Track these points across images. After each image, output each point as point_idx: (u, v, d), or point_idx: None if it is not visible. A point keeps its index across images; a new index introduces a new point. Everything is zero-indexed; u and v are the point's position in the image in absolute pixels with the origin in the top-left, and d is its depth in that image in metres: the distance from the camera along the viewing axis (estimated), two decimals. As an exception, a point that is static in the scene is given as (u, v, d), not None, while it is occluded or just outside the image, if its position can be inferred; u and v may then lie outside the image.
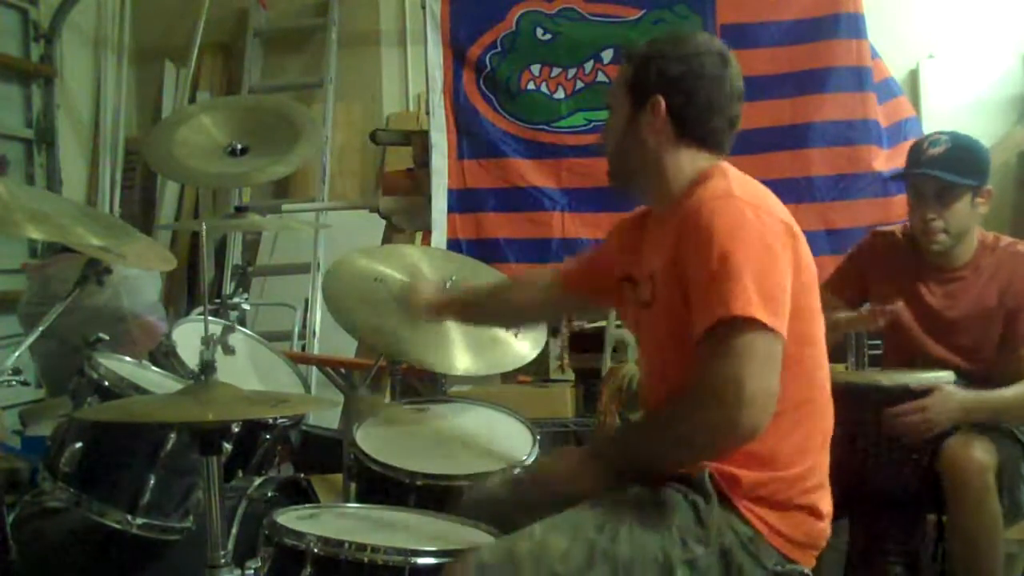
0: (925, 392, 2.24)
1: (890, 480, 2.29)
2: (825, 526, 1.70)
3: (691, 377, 1.56)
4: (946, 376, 2.29)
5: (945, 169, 2.40)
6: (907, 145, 3.49)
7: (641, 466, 1.66)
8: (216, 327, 1.80)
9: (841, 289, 2.61)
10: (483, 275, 2.70)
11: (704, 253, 1.56)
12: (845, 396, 2.21)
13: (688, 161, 1.75)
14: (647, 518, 1.59)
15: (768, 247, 1.57)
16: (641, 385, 2.03)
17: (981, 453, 2.21)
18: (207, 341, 1.75)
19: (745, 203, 1.61)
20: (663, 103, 1.72)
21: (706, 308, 1.54)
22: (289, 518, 1.77)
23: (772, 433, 1.56)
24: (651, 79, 1.73)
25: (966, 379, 2.34)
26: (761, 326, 1.51)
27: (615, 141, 1.81)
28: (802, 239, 1.67)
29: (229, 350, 1.77)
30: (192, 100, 4.98)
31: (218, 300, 3.31)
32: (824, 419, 1.72)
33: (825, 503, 1.70)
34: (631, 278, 1.83)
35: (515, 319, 2.36)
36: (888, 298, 2.50)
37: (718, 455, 1.60)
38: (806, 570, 1.66)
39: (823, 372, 1.72)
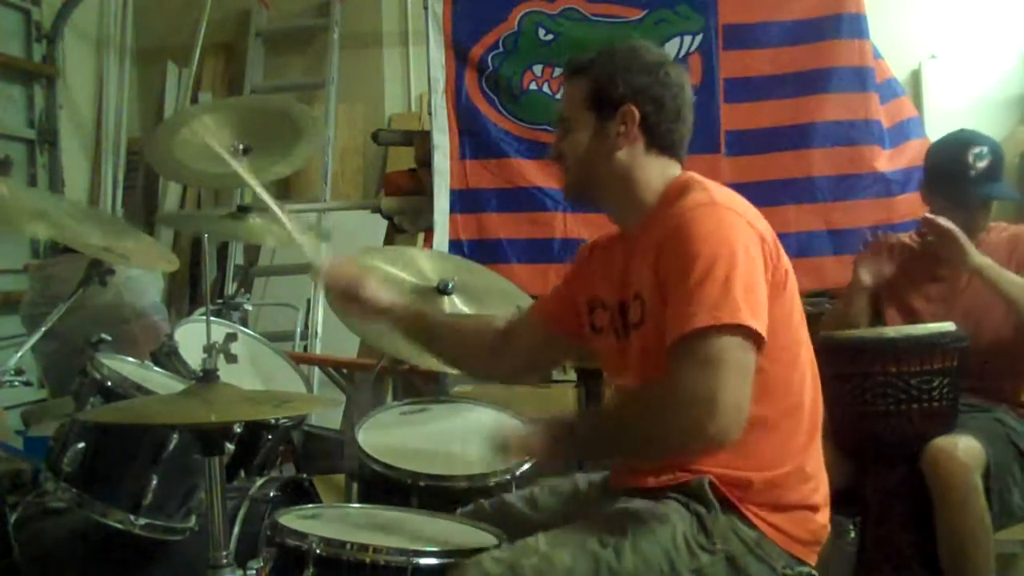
0: (930, 340, 2.28)
1: (900, 430, 2.30)
2: (824, 520, 1.71)
3: (666, 377, 1.54)
4: (948, 324, 2.32)
5: (997, 179, 2.52)
6: (909, 145, 3.52)
7: (606, 452, 1.67)
8: (218, 333, 1.80)
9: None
10: (480, 278, 2.69)
11: (689, 259, 1.54)
12: (852, 351, 2.27)
13: (657, 170, 1.73)
14: (649, 530, 1.59)
15: (751, 256, 1.57)
16: None
17: (964, 454, 2.22)
18: (209, 349, 1.75)
19: (728, 210, 1.60)
20: (636, 113, 1.70)
21: (689, 313, 1.52)
22: (291, 518, 1.77)
23: (765, 440, 1.59)
24: (618, 90, 1.71)
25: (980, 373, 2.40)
26: (743, 333, 1.51)
27: (578, 156, 1.76)
28: (779, 249, 1.66)
29: (231, 359, 1.77)
30: (194, 100, 4.99)
31: (220, 300, 3.32)
32: (810, 419, 1.70)
33: (820, 495, 1.70)
34: (603, 303, 1.80)
35: (468, 359, 2.09)
36: (901, 294, 2.57)
37: (685, 458, 1.62)
38: (813, 571, 1.66)
39: (808, 376, 1.71)
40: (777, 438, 1.63)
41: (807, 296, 2.49)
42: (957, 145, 2.56)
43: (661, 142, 1.73)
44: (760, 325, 1.52)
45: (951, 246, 2.38)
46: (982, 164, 2.49)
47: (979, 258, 2.37)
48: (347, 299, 2.02)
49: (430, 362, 2.46)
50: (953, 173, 2.52)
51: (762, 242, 1.61)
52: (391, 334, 2.14)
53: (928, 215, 2.45)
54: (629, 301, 1.72)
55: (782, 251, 1.66)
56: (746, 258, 1.55)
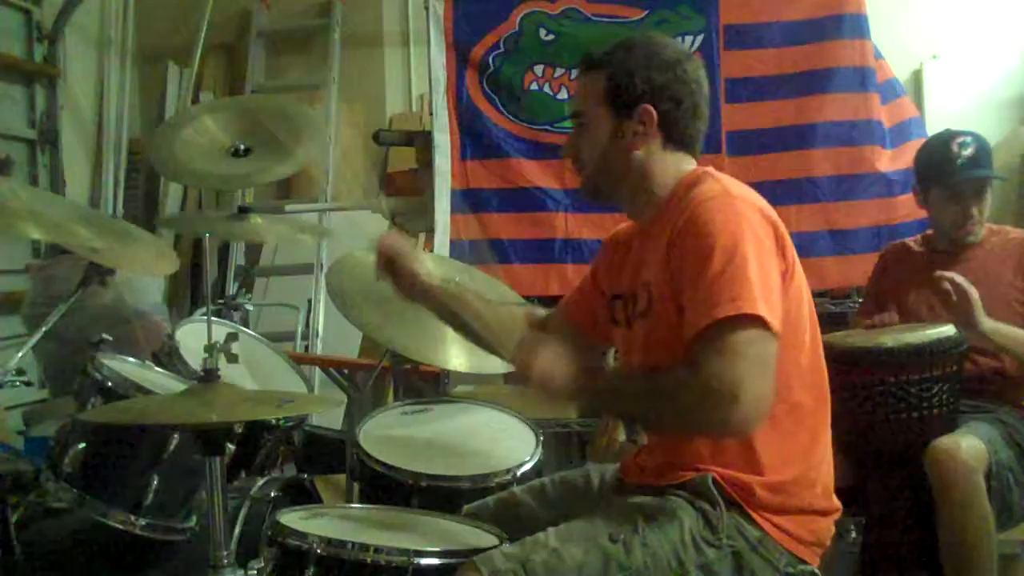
0: (929, 348, 2.28)
1: (899, 438, 2.30)
2: (830, 523, 1.71)
3: (689, 367, 1.53)
4: (948, 329, 2.31)
5: (984, 166, 2.58)
6: (910, 146, 3.51)
7: (624, 413, 1.68)
8: (220, 333, 1.79)
9: (870, 314, 2.66)
10: (480, 282, 2.69)
11: (706, 249, 1.55)
12: (850, 360, 2.25)
13: (672, 165, 1.74)
14: (657, 526, 1.60)
15: (766, 246, 1.58)
16: None
17: (967, 454, 2.22)
18: (210, 349, 1.75)
19: (744, 201, 1.61)
20: (655, 112, 1.70)
21: (710, 304, 1.52)
22: (292, 518, 1.77)
23: (767, 438, 1.59)
24: (636, 89, 1.71)
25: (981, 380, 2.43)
26: (763, 324, 1.51)
27: (596, 154, 1.76)
28: (788, 241, 1.66)
29: (232, 359, 1.77)
30: (195, 101, 4.99)
31: (221, 300, 3.33)
32: (812, 420, 1.70)
33: (828, 500, 1.70)
34: (621, 295, 1.82)
35: (500, 348, 2.00)
36: (909, 298, 2.59)
37: (703, 438, 1.65)
38: (816, 570, 1.66)
39: (815, 374, 1.71)
40: (776, 437, 1.62)
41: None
42: (941, 140, 2.67)
43: (678, 139, 1.74)
44: (775, 317, 1.53)
45: (965, 305, 2.34)
46: (967, 152, 2.58)
47: (989, 323, 2.35)
48: (390, 266, 2.00)
49: (433, 360, 2.47)
50: (941, 163, 2.60)
51: (775, 231, 1.62)
52: (392, 327, 2.14)
53: (941, 273, 2.39)
54: (638, 290, 1.73)
55: (790, 243, 1.66)
56: (760, 248, 1.56)
